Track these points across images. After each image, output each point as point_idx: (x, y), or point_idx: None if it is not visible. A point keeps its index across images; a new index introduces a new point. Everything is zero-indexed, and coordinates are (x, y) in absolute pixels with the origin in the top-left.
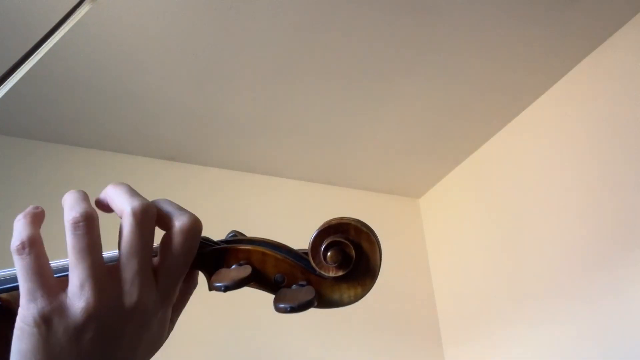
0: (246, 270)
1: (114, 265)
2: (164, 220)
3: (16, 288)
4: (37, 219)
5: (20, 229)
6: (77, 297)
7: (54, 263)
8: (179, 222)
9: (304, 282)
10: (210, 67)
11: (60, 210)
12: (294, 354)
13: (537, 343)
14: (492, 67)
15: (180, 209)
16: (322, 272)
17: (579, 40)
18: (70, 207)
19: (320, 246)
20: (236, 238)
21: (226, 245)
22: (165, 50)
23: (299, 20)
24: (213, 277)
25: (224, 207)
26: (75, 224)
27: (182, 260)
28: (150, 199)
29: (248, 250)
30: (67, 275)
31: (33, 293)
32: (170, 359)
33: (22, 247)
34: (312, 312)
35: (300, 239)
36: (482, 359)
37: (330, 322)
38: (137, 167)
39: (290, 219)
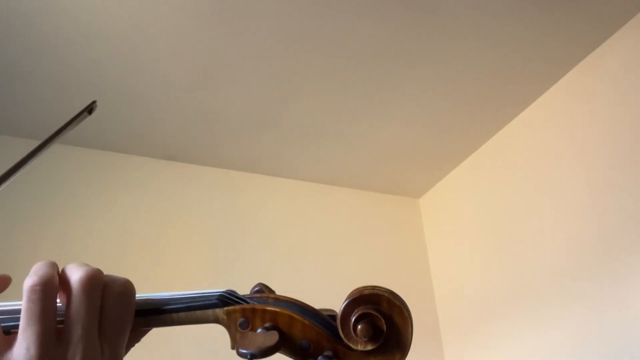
0: (273, 338)
1: (62, 329)
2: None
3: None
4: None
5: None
6: (21, 358)
7: (4, 306)
8: (113, 286)
9: (329, 353)
10: (211, 68)
11: (60, 211)
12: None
13: (537, 343)
14: (492, 67)
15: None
16: (350, 345)
17: (579, 39)
18: (32, 273)
19: (351, 317)
20: (262, 295)
21: (254, 305)
22: (165, 50)
23: (300, 21)
24: (239, 341)
25: (224, 207)
26: (32, 289)
27: (119, 322)
28: (150, 199)
29: (275, 312)
30: (15, 333)
31: None
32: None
33: None
34: None
35: (300, 239)
36: (482, 358)
37: None
38: (137, 167)
39: (290, 219)
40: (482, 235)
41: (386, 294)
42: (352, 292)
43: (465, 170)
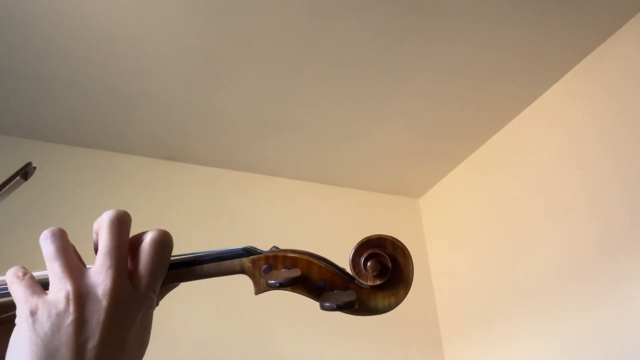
0: (297, 272)
1: (93, 265)
2: (138, 237)
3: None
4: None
5: (10, 270)
6: (57, 288)
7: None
8: (150, 234)
9: (343, 289)
10: (210, 67)
11: (60, 211)
12: (293, 354)
13: (537, 343)
14: (492, 66)
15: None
16: (361, 281)
17: (579, 38)
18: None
19: (361, 257)
20: (280, 249)
21: (275, 252)
22: (164, 49)
23: (299, 20)
24: (267, 276)
25: (224, 207)
26: (45, 236)
27: (152, 268)
28: (150, 199)
29: (295, 257)
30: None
31: (26, 298)
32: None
33: (15, 277)
34: (311, 311)
35: (300, 239)
36: (482, 358)
37: (329, 321)
38: (137, 167)
39: (290, 219)
40: (482, 235)
41: (390, 238)
42: (361, 239)
43: (465, 170)
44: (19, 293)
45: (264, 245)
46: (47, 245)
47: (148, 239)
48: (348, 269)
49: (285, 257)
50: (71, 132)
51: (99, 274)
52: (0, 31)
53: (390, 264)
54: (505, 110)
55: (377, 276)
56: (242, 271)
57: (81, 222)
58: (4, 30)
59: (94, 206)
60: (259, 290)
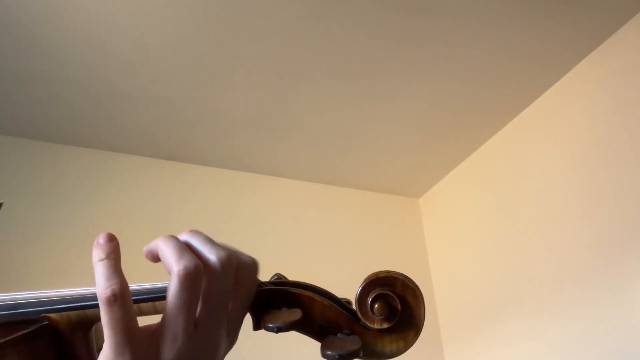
0: (297, 314)
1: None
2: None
3: (70, 309)
4: (119, 256)
5: (108, 274)
6: (169, 348)
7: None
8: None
9: (347, 332)
10: (210, 67)
11: (60, 211)
12: (293, 354)
13: (537, 342)
14: (492, 66)
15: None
16: (367, 323)
17: (579, 39)
18: (175, 255)
19: (367, 297)
20: (282, 281)
21: (277, 287)
22: (165, 49)
23: (299, 20)
24: (265, 317)
25: (224, 207)
26: (188, 276)
27: (245, 302)
28: (150, 199)
29: (297, 294)
30: (150, 325)
31: (122, 347)
32: None
33: (115, 298)
34: None
35: (300, 239)
36: (482, 358)
37: None
38: (137, 167)
39: (290, 219)
40: (482, 235)
41: (400, 277)
42: (369, 276)
43: (465, 170)
44: (114, 334)
45: (265, 245)
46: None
47: (244, 279)
48: (353, 303)
49: (286, 293)
50: (71, 132)
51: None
52: (1, 31)
53: (399, 306)
54: (505, 111)
55: (385, 319)
56: None
57: (80, 222)
58: (4, 30)
59: (94, 206)
60: (260, 327)
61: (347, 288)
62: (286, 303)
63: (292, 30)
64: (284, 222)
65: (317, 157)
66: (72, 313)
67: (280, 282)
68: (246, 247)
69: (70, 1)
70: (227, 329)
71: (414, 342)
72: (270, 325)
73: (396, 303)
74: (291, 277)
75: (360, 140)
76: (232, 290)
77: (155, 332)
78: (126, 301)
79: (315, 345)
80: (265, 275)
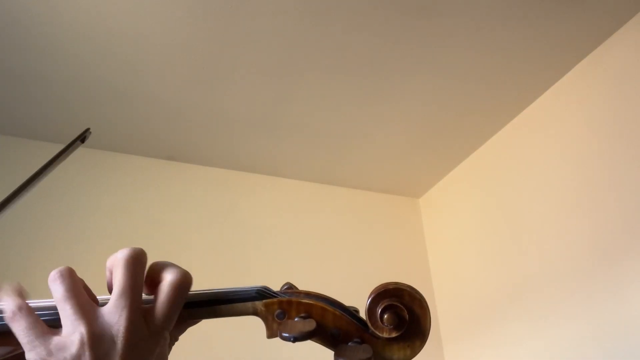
0: (312, 324)
1: (107, 304)
2: (157, 273)
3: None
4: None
5: (7, 300)
6: (70, 331)
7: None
8: (170, 276)
9: (358, 340)
10: (210, 67)
11: (60, 211)
12: (293, 353)
13: (537, 342)
14: (492, 66)
15: (172, 265)
16: (377, 332)
17: (579, 39)
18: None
19: (377, 308)
20: (293, 290)
21: (290, 298)
22: (165, 49)
23: (299, 20)
24: (281, 327)
25: (224, 207)
26: (54, 277)
27: (169, 310)
28: (150, 199)
29: (309, 304)
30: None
31: (32, 343)
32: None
33: (13, 314)
34: None
35: (300, 239)
36: (482, 358)
37: None
38: (137, 167)
39: (290, 219)
40: (482, 235)
41: (407, 289)
42: (377, 287)
43: (465, 170)
44: (24, 337)
45: (264, 245)
46: (56, 287)
47: (168, 281)
48: (362, 313)
49: (299, 304)
50: (71, 132)
51: (114, 314)
52: (1, 31)
53: (407, 316)
54: (505, 111)
55: (394, 329)
56: (254, 314)
57: (80, 222)
58: (4, 30)
59: (94, 206)
60: (271, 334)
61: (347, 288)
62: (298, 313)
63: (292, 30)
64: (284, 222)
65: (317, 157)
66: None
67: (292, 292)
68: (246, 247)
69: (70, 1)
70: (149, 324)
71: (421, 350)
72: (287, 335)
73: (404, 313)
74: (291, 276)
75: (360, 140)
76: (148, 288)
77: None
78: (25, 313)
79: (313, 347)
80: (275, 276)
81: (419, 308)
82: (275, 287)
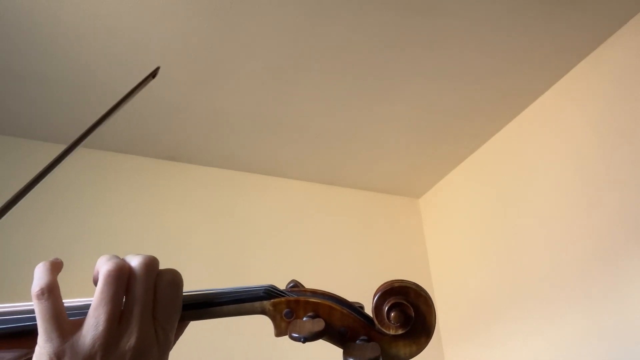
0: (320, 324)
1: (123, 310)
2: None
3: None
4: (55, 267)
5: (39, 276)
6: (90, 333)
7: (68, 303)
8: (165, 277)
9: (365, 337)
10: (211, 67)
11: (60, 210)
12: (292, 353)
13: (537, 342)
14: (492, 67)
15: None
16: (383, 330)
17: (579, 39)
18: (106, 261)
19: (384, 306)
20: (300, 289)
21: (298, 297)
22: (165, 49)
23: (300, 21)
24: (290, 327)
25: (224, 207)
26: (109, 273)
27: (170, 307)
28: (150, 199)
29: (317, 303)
30: (80, 318)
31: (49, 334)
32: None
33: (42, 292)
34: None
35: (300, 239)
36: (482, 358)
37: None
38: (137, 167)
39: (290, 219)
40: (482, 235)
41: (413, 287)
42: (384, 285)
43: (465, 170)
44: (44, 322)
45: (265, 245)
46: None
47: (164, 283)
48: (369, 310)
49: (307, 303)
50: (71, 133)
51: (127, 325)
52: (1, 31)
53: (413, 313)
54: (504, 112)
55: (400, 326)
56: (262, 313)
57: (80, 222)
58: (4, 30)
59: (94, 206)
60: (279, 333)
61: (347, 287)
62: (306, 312)
63: (292, 30)
64: (284, 221)
65: (317, 157)
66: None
67: (299, 290)
68: (246, 247)
69: (70, 1)
70: (156, 331)
71: (426, 346)
72: (297, 335)
73: (410, 311)
74: (291, 276)
75: (360, 140)
76: (154, 293)
77: (82, 321)
78: (52, 295)
79: (314, 345)
80: (276, 276)
81: (424, 305)
82: (277, 285)
